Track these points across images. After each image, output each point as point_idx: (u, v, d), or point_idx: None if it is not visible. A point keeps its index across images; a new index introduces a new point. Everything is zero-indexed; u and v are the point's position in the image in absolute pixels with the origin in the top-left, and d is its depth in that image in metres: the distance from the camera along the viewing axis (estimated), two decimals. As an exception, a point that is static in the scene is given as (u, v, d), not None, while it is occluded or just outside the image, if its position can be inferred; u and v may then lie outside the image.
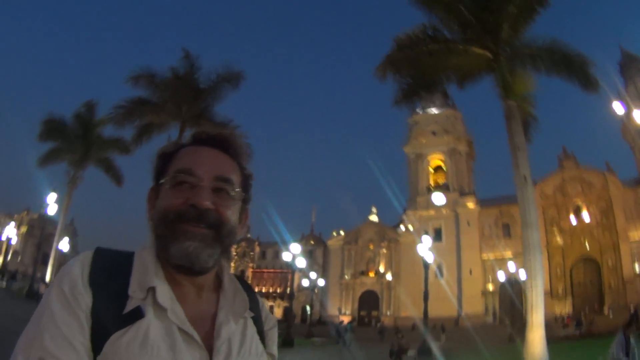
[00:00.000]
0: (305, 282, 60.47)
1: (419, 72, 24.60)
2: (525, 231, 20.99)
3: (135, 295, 1.17)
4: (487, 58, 23.38)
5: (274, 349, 1.47)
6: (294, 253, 33.41)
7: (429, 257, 28.91)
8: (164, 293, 1.21)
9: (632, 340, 11.32)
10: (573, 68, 23.60)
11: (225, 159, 1.38)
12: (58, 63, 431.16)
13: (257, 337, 1.39)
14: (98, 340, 1.10)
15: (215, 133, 1.40)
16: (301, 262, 35.83)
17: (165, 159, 1.37)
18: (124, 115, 32.02)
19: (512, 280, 58.92)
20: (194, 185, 1.28)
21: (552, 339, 29.66)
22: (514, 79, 23.26)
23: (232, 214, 1.33)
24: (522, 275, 65.10)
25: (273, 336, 1.49)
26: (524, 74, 23.95)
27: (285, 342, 27.13)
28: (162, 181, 1.32)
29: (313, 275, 61.86)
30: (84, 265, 1.19)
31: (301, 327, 53.94)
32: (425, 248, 28.60)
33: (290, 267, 36.26)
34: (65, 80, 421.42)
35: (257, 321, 1.43)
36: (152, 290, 1.19)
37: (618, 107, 25.95)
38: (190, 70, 31.91)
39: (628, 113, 37.06)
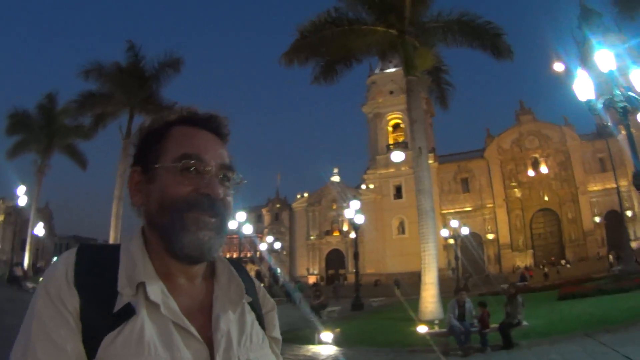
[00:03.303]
0: (263, 246, 61.76)
1: (329, 53, 25.46)
2: (419, 197, 22.76)
3: (124, 292, 1.12)
4: (394, 35, 24.51)
5: (276, 331, 1.43)
6: (239, 221, 35.86)
7: (359, 219, 30.59)
8: (155, 287, 1.15)
9: (467, 304, 13.10)
10: (485, 38, 24.83)
11: (222, 145, 1.32)
12: (18, 57, 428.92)
13: (256, 323, 1.33)
14: (91, 344, 1.06)
15: (209, 115, 1.32)
16: (248, 229, 38.36)
17: (154, 138, 1.27)
18: (77, 109, 34.49)
19: (472, 234, 61.42)
20: (202, 173, 1.22)
21: (489, 293, 30.42)
22: (418, 54, 24.46)
23: (231, 202, 1.28)
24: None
25: (273, 319, 1.43)
26: (428, 50, 24.72)
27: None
28: (161, 165, 1.23)
29: (270, 238, 63.59)
30: (68, 266, 1.13)
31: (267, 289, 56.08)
32: (352, 211, 30.51)
33: (238, 234, 38.63)
34: (27, 72, 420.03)
35: (255, 305, 1.36)
36: (142, 285, 1.14)
37: (559, 67, 27.37)
38: (135, 60, 34.00)
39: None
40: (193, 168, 1.22)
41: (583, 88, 13.09)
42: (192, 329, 1.15)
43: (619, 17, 28.79)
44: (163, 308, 1.13)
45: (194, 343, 1.14)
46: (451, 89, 28.37)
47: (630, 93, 12.58)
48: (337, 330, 15.97)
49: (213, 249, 1.21)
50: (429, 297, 21.04)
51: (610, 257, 47.02)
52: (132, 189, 1.28)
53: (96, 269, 1.15)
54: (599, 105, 13.14)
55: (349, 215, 31.40)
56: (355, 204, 30.60)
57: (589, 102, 13.09)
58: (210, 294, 1.28)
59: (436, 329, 13.95)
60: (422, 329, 14.33)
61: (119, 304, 1.10)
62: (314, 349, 14.44)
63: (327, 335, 14.93)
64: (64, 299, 1.08)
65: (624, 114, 12.89)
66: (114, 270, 1.16)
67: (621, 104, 12.67)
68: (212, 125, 1.32)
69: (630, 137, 13.52)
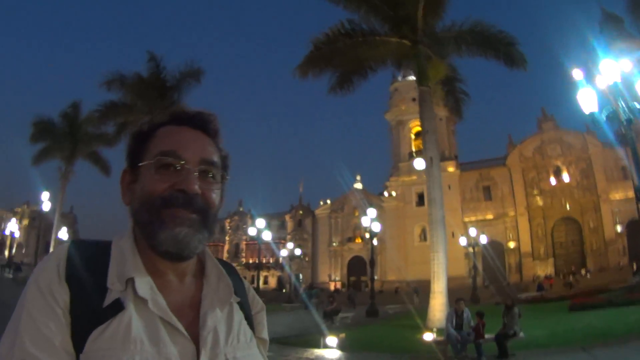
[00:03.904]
0: (284, 253, 61.69)
1: (344, 64, 25.53)
2: (430, 207, 23.23)
3: (114, 288, 1.14)
4: (407, 46, 24.59)
5: (264, 333, 1.44)
6: (258, 227, 36.35)
7: (376, 227, 30.88)
8: (144, 283, 1.17)
9: (465, 313, 13.28)
10: (498, 47, 24.75)
11: (207, 141, 1.32)
12: (44, 66, 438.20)
13: (244, 322, 1.34)
14: (79, 338, 1.07)
15: (195, 112, 1.33)
16: (267, 236, 38.75)
17: (141, 139, 1.30)
18: (100, 119, 35.56)
19: (494, 242, 60.91)
20: (179, 169, 1.22)
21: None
22: (431, 65, 24.42)
23: (216, 198, 1.28)
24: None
25: (262, 320, 1.45)
26: (441, 60, 24.59)
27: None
28: (142, 163, 1.25)
29: (290, 245, 63.53)
30: (60, 260, 1.15)
31: (285, 295, 56.23)
32: (369, 219, 30.75)
33: (257, 240, 39.03)
34: (52, 80, 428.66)
35: (244, 306, 1.38)
36: (131, 281, 1.15)
37: (577, 74, 27.19)
38: (156, 70, 34.76)
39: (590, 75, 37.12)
40: (171, 165, 1.23)
41: (587, 100, 13.10)
42: (179, 325, 1.16)
43: (634, 23, 28.76)
44: (151, 304, 1.15)
45: (180, 339, 1.15)
46: (467, 98, 28.11)
47: (636, 104, 12.63)
48: (342, 335, 16.25)
49: (192, 244, 1.21)
50: (437, 305, 21.20)
51: (634, 266, 46.21)
52: (123, 188, 1.31)
53: (87, 264, 1.17)
54: (603, 118, 13.21)
55: (365, 223, 31.50)
56: (371, 212, 30.74)
57: (592, 114, 13.17)
58: (200, 292, 1.29)
59: (434, 336, 14.25)
60: (427, 336, 14.48)
61: (108, 299, 1.12)
62: (317, 352, 14.77)
63: (332, 340, 15.29)
64: (54, 292, 1.10)
65: (628, 126, 12.96)
66: (105, 266, 1.18)
67: (626, 116, 12.73)
68: (198, 122, 1.32)
69: (634, 150, 13.51)
